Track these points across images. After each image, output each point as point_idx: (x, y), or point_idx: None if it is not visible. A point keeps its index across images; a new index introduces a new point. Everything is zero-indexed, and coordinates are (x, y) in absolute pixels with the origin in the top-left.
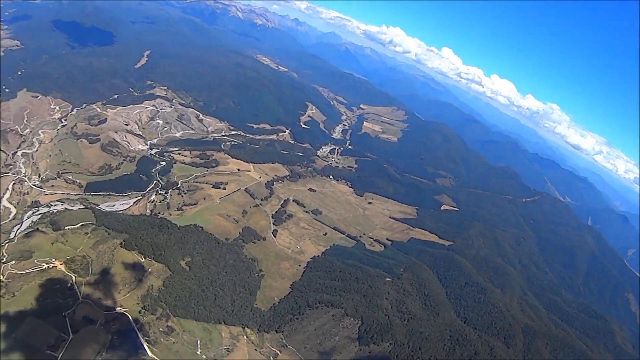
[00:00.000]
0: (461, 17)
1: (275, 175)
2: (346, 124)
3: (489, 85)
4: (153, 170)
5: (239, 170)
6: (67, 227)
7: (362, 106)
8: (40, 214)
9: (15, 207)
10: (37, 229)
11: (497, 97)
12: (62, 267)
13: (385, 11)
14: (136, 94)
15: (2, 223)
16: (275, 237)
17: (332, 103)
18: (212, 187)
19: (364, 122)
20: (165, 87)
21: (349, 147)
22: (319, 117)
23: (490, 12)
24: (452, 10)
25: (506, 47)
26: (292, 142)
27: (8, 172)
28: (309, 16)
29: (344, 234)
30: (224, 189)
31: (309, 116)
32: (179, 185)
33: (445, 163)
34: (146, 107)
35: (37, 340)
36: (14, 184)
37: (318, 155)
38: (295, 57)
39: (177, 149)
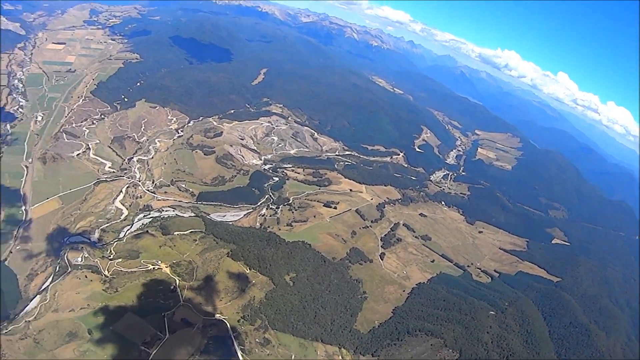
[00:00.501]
0: (577, 41)
1: (387, 198)
2: (460, 149)
3: (605, 113)
4: (265, 185)
5: (351, 190)
6: (176, 233)
7: (476, 131)
8: (151, 217)
9: (127, 209)
10: (147, 231)
11: (613, 125)
12: (167, 270)
13: (500, 34)
14: (252, 110)
15: (112, 223)
16: (382, 260)
17: (446, 127)
18: (323, 206)
19: (479, 148)
20: (281, 105)
21: (463, 173)
22: (433, 141)
23: (606, 37)
24: (568, 34)
25: (622, 72)
26: (406, 165)
27: (123, 176)
28: (423, 38)
29: (451, 262)
30: (335, 208)
31: (423, 140)
32: (290, 202)
33: (559, 194)
34: (262, 123)
35: (133, 335)
36: (127, 187)
37: (431, 180)
38: (411, 80)
39: (291, 165)
